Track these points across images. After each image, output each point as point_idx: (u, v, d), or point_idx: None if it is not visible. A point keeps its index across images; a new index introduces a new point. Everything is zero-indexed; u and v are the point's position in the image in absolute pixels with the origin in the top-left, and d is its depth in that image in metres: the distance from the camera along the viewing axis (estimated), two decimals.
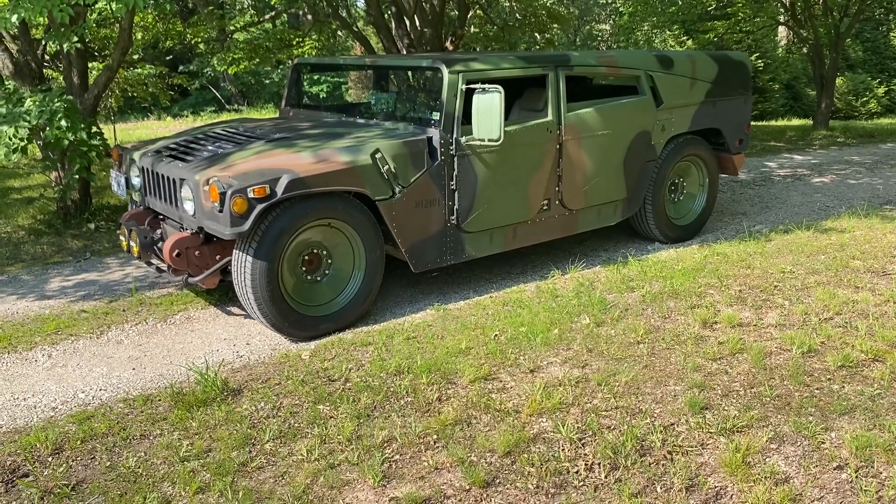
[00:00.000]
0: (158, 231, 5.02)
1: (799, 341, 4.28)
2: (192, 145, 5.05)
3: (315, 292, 4.69)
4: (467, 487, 3.04)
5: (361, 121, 5.55)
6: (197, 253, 4.59)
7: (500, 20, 14.25)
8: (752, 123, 15.82)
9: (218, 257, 4.63)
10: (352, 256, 4.75)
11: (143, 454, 3.31)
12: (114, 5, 5.58)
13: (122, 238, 5.11)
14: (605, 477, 3.09)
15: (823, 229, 6.73)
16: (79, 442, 3.41)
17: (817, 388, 3.80)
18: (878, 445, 3.24)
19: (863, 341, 4.28)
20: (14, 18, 5.41)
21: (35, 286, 5.69)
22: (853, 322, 4.61)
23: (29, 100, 6.43)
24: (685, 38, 18.46)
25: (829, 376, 3.93)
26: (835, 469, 3.13)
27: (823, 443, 3.31)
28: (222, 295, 5.27)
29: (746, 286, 5.27)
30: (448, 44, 11.61)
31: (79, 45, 6.52)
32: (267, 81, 24.29)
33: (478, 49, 14.02)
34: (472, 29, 13.88)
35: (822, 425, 3.44)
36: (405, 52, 11.17)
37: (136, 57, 12.27)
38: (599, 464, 3.18)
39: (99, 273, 6.00)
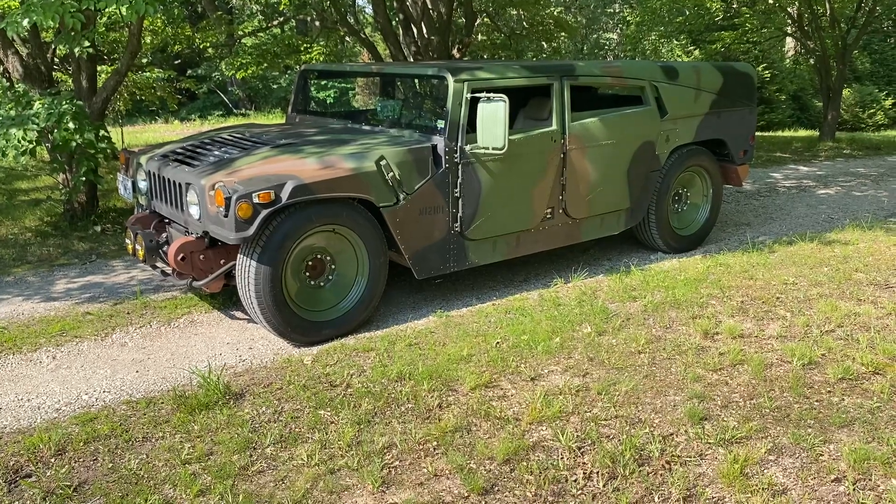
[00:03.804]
0: (164, 235, 5.06)
1: (800, 353, 4.29)
2: (199, 150, 5.09)
3: (318, 298, 4.72)
4: (466, 495, 3.05)
5: (367, 128, 5.58)
6: (202, 257, 4.63)
7: (508, 28, 14.30)
8: (759, 134, 15.83)
9: (222, 261, 4.67)
10: (355, 262, 4.78)
11: (144, 456, 3.34)
12: (124, 10, 5.63)
13: (127, 241, 5.15)
14: (604, 486, 3.11)
15: (827, 241, 6.73)
16: (81, 443, 3.43)
17: (817, 401, 3.81)
18: (876, 459, 3.25)
19: (864, 354, 4.28)
20: (25, 22, 5.47)
21: (41, 288, 5.74)
22: (854, 335, 4.62)
23: (37, 102, 6.49)
24: (692, 48, 18.48)
25: (829, 389, 3.94)
26: (832, 481, 3.13)
27: (822, 455, 3.32)
28: (226, 299, 5.30)
29: (748, 297, 5.28)
30: (455, 51, 11.66)
31: (89, 50, 6.58)
32: (275, 86, 24.37)
33: (485, 57, 14.08)
34: (480, 37, 13.93)
35: (820, 437, 3.45)
36: (412, 60, 11.22)
37: (144, 61, 12.36)
38: (598, 472, 3.19)
39: (104, 276, 6.04)
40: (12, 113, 6.45)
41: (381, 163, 4.67)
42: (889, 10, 16.39)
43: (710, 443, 3.41)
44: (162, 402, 3.83)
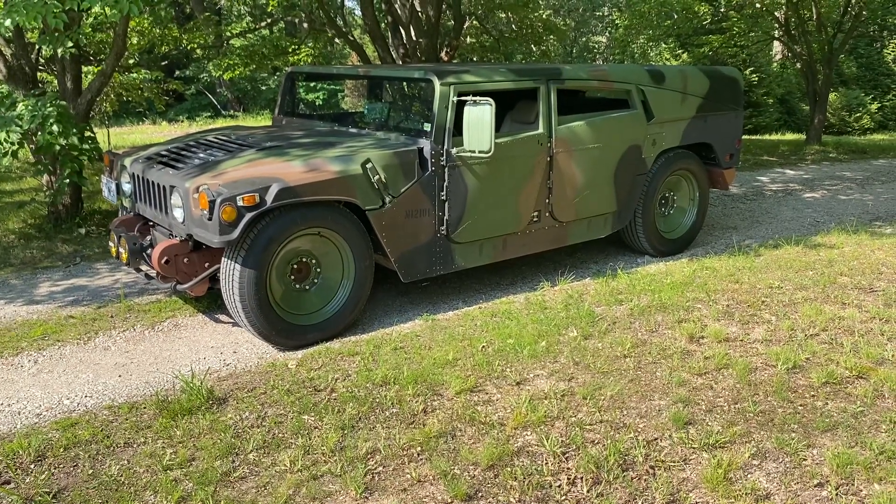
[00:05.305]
0: (148, 238, 5.01)
1: (784, 357, 4.30)
2: (184, 152, 5.05)
3: (303, 301, 4.69)
4: (449, 501, 3.04)
5: (353, 130, 5.56)
6: (186, 260, 4.59)
7: (497, 31, 14.31)
8: (746, 137, 15.91)
9: (207, 265, 4.64)
10: (341, 266, 4.76)
11: (126, 462, 3.30)
12: (108, 11, 5.58)
13: (111, 244, 5.11)
14: (588, 491, 3.10)
15: (813, 245, 6.76)
16: (62, 449, 3.40)
17: (801, 405, 3.82)
18: (858, 463, 3.25)
19: (847, 358, 4.30)
20: (8, 23, 5.41)
21: (24, 291, 5.68)
22: (839, 338, 4.63)
23: (21, 104, 6.43)
24: (680, 51, 18.55)
25: (812, 393, 3.95)
26: (815, 486, 3.14)
27: (805, 459, 3.32)
28: (211, 302, 5.27)
29: (734, 301, 5.29)
30: (443, 54, 11.65)
31: (73, 50, 6.52)
32: (263, 88, 24.32)
33: (474, 59, 14.07)
34: (468, 39, 13.93)
35: (804, 442, 3.45)
36: (400, 62, 11.20)
37: (132, 61, 12.27)
38: (582, 478, 3.18)
39: (88, 278, 5.99)
40: None
41: (366, 165, 4.65)
42: (875, 15, 16.50)
43: (694, 447, 3.41)
44: (144, 407, 3.79)
